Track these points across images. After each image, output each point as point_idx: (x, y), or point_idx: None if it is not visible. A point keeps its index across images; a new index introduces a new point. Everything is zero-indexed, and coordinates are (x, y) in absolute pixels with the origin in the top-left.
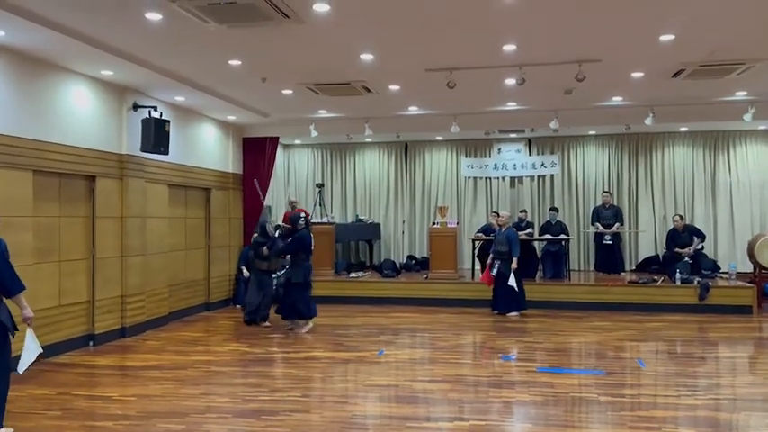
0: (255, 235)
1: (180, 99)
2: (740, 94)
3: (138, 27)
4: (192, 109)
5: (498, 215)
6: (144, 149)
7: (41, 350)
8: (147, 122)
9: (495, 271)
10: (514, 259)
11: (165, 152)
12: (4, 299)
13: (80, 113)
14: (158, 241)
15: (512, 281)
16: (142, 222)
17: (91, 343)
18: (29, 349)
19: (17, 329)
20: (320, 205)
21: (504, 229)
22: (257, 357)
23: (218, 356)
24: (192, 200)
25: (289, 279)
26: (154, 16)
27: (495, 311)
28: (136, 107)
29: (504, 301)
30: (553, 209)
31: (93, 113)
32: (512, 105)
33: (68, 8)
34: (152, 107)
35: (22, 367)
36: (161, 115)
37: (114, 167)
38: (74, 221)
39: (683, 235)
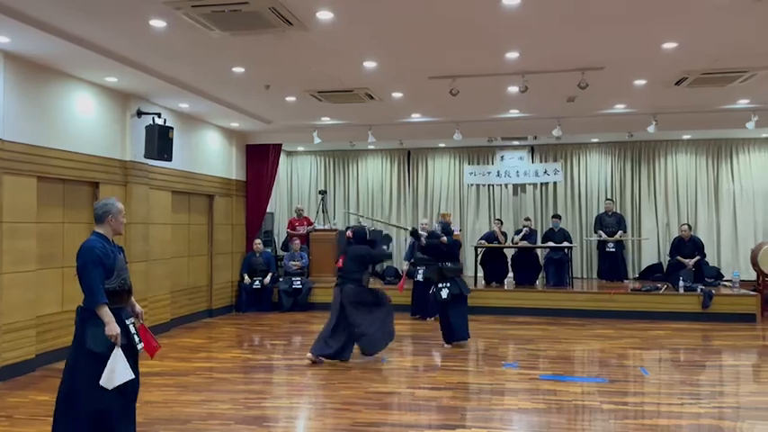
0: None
1: (184, 106)
2: (743, 102)
3: (143, 34)
4: (195, 116)
5: (501, 222)
6: (148, 156)
7: (131, 375)
8: (150, 129)
9: (420, 277)
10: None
11: (169, 159)
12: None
13: (84, 120)
14: (161, 248)
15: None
16: (145, 229)
17: None
18: (114, 369)
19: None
20: (323, 212)
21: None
22: (259, 364)
23: (221, 363)
24: (196, 206)
25: (460, 294)
26: (158, 23)
27: (417, 316)
28: (140, 114)
29: (431, 306)
30: (556, 216)
31: (97, 120)
32: (514, 113)
33: (73, 15)
34: (156, 114)
35: (103, 381)
36: (165, 122)
37: (118, 174)
38: (77, 228)
39: (687, 244)
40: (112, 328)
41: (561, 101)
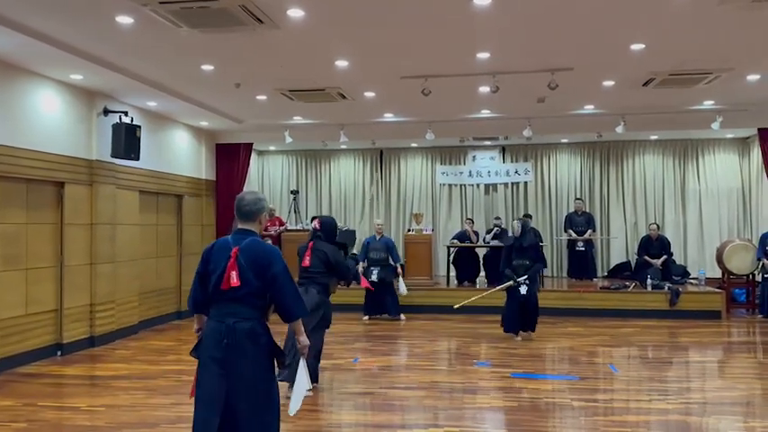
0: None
1: (152, 104)
2: (708, 103)
3: (109, 31)
4: (163, 114)
5: (473, 221)
6: (114, 155)
7: (310, 386)
8: (117, 128)
9: (374, 277)
10: (398, 265)
11: (136, 158)
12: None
13: (48, 118)
14: (129, 249)
15: (402, 287)
16: (112, 229)
17: (58, 353)
18: (300, 384)
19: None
20: (295, 212)
21: (379, 237)
22: None
23: (190, 366)
24: (164, 206)
25: (535, 288)
26: (125, 20)
27: (368, 317)
28: (106, 112)
29: (394, 306)
30: (527, 215)
31: (62, 118)
32: (486, 113)
33: (36, 11)
34: (123, 112)
35: (294, 407)
36: (132, 120)
37: (84, 173)
38: (41, 228)
39: (655, 243)
40: (306, 339)
41: (531, 101)
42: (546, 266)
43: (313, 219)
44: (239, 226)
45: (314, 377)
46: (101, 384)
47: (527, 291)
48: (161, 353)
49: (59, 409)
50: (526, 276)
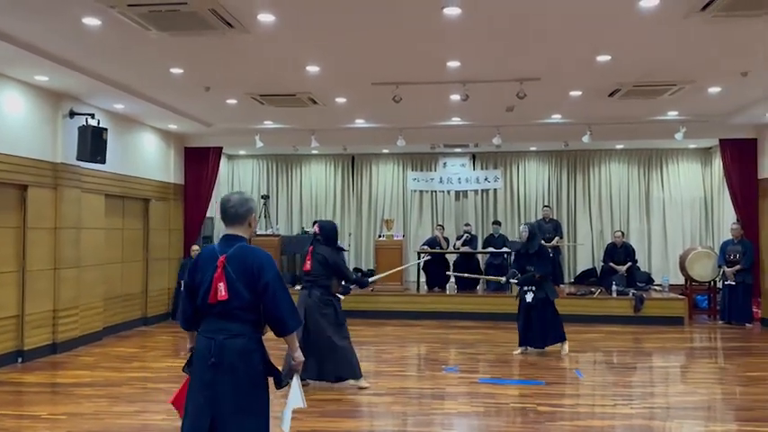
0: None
1: (119, 107)
2: (672, 114)
3: (76, 32)
4: (131, 117)
5: (443, 228)
6: (80, 158)
7: (304, 404)
8: (83, 130)
9: None
10: None
11: (103, 161)
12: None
13: (12, 120)
14: (94, 253)
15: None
16: (77, 234)
17: (19, 359)
18: (294, 400)
19: (287, 380)
20: (265, 217)
21: None
22: None
23: (155, 373)
24: (130, 211)
25: (546, 299)
26: (92, 21)
27: None
28: (72, 114)
29: None
30: (496, 222)
31: (26, 120)
32: (456, 120)
33: (0, 10)
34: (89, 114)
35: (287, 425)
36: (98, 123)
37: (48, 176)
38: (3, 232)
39: (620, 250)
40: (301, 355)
41: (501, 110)
42: (543, 274)
43: (314, 223)
44: (226, 231)
45: (358, 372)
46: (62, 392)
47: (533, 298)
48: (125, 360)
49: (19, 418)
50: (515, 281)
